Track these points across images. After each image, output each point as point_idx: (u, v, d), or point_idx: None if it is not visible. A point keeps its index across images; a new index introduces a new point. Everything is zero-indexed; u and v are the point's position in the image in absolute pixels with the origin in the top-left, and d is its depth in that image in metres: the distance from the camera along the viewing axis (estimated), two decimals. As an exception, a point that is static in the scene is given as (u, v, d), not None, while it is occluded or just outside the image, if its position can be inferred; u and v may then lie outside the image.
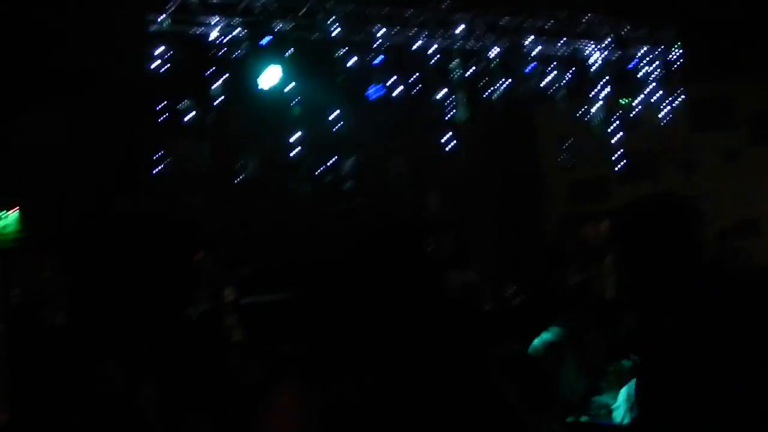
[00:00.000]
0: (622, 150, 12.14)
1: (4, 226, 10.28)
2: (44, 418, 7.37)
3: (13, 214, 10.29)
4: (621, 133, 11.87)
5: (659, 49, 11.12)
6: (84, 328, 9.44)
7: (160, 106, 8.25)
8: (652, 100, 11.57)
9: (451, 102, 10.28)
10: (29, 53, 7.83)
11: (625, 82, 11.19)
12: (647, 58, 11.19)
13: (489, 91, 10.35)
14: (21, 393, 8.05)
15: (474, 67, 10.07)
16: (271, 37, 8.17)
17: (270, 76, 8.28)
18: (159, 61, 7.75)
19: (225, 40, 8.01)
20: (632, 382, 4.03)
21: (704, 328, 1.31)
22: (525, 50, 10.08)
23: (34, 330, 10.60)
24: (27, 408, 8.16)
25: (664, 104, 11.60)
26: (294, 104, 9.05)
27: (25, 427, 7.45)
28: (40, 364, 9.59)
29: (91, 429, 6.07)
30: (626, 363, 5.34)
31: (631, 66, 11.11)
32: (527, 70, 10.30)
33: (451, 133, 10.62)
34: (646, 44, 10.99)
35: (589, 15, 10.48)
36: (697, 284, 1.38)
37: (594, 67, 10.96)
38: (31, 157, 9.49)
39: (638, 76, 11.19)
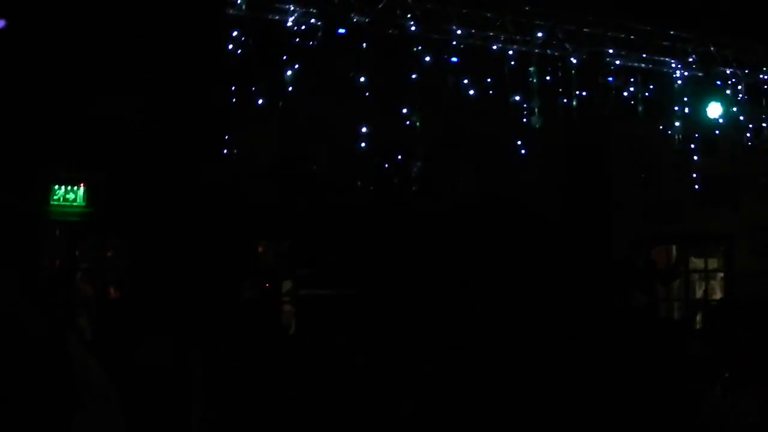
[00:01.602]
0: (699, 172, 11.75)
1: (74, 199, 10.48)
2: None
3: (81, 189, 10.49)
4: (699, 155, 11.49)
5: (746, 70, 10.73)
6: (140, 303, 9.56)
7: (231, 90, 8.28)
8: (736, 122, 11.17)
9: (526, 108, 10.08)
10: (104, 28, 7.94)
11: (708, 101, 10.82)
12: (733, 79, 10.80)
13: (565, 100, 10.13)
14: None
15: (551, 75, 9.86)
16: (346, 29, 8.10)
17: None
18: (233, 45, 7.78)
19: (300, 29, 7.99)
20: None
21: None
22: (605, 61, 9.82)
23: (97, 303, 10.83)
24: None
25: (749, 127, 11.19)
26: (367, 98, 9.00)
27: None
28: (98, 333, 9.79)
29: (140, 394, 6.18)
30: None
31: (715, 85, 10.73)
32: (606, 82, 10.04)
33: (522, 139, 10.44)
34: (732, 64, 10.62)
35: (673, 31, 10.15)
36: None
37: (676, 84, 10.64)
38: (100, 135, 9.64)
39: (722, 96, 10.81)
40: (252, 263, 11.93)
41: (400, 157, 10.89)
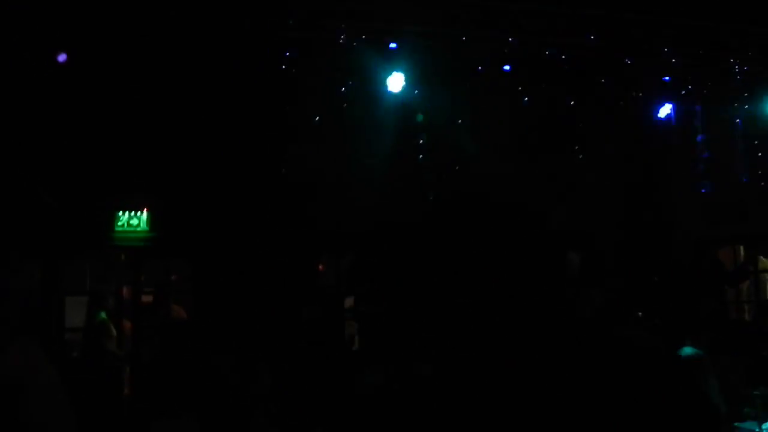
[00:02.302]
0: (764, 170, 11.47)
1: (137, 224, 10.65)
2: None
3: (144, 214, 10.66)
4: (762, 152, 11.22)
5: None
6: (205, 325, 9.67)
7: (288, 108, 8.34)
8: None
9: (582, 113, 9.97)
10: (167, 54, 8.06)
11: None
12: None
13: (623, 102, 9.99)
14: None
15: (606, 76, 9.73)
16: (397, 44, 8.12)
17: (395, 83, 8.24)
18: (287, 65, 7.85)
19: (350, 45, 8.02)
20: None
21: None
22: (661, 60, 9.66)
23: (160, 325, 11.00)
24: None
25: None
26: (418, 112, 8.99)
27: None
28: (164, 353, 9.96)
29: (209, 413, 6.26)
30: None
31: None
32: (664, 81, 9.87)
33: (580, 144, 10.31)
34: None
35: (733, 25, 9.93)
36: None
37: (737, 81, 10.40)
38: (161, 160, 9.79)
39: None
40: (313, 282, 11.97)
41: (456, 168, 10.82)
